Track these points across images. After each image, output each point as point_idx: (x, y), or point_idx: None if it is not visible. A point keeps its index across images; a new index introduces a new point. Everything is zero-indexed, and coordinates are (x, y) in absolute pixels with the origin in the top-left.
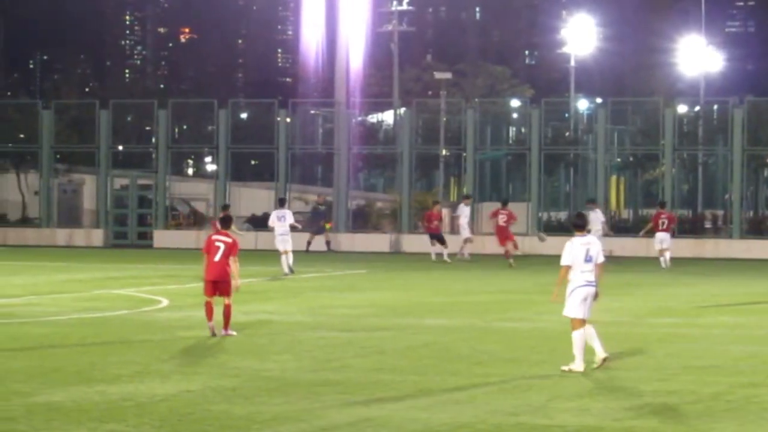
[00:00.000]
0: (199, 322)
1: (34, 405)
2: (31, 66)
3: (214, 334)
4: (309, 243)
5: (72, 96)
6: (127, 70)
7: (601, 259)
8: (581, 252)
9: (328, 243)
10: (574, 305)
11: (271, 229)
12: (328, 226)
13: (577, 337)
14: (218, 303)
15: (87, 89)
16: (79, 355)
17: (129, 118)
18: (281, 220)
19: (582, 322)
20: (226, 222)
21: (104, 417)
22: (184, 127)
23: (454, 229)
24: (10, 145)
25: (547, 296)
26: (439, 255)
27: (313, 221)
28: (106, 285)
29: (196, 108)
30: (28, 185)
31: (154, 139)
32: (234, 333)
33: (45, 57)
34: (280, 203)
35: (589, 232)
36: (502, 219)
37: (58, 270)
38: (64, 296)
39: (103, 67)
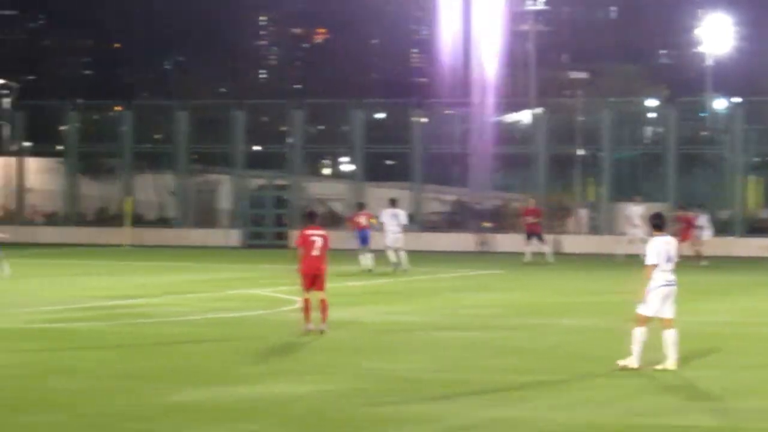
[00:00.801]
0: (337, 323)
1: (170, 405)
2: (167, 67)
3: (309, 331)
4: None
5: (207, 97)
6: (261, 71)
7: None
8: (663, 251)
9: (482, 243)
10: (652, 304)
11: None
12: (485, 224)
13: (639, 334)
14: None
15: (222, 90)
16: (215, 355)
17: (264, 119)
18: (394, 219)
19: (647, 321)
20: (313, 217)
21: (240, 417)
22: (319, 127)
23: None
24: (146, 145)
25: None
26: (538, 254)
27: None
28: (242, 285)
29: (331, 108)
30: (164, 186)
31: (289, 140)
32: (327, 330)
33: (181, 58)
34: (392, 203)
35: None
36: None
37: (194, 270)
38: (200, 296)
39: (238, 68)
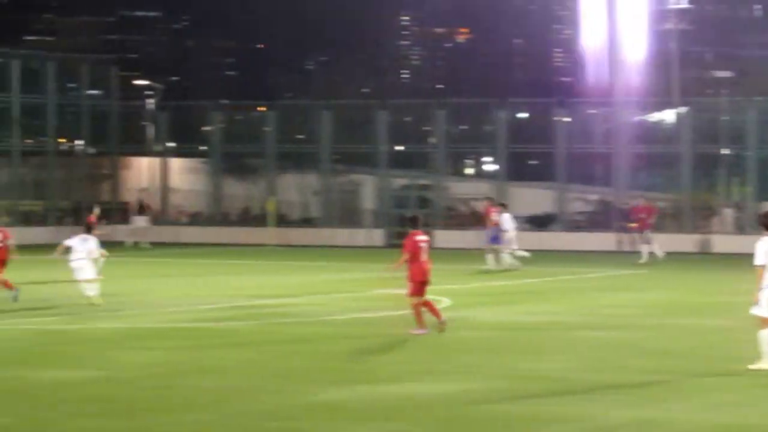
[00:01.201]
0: (480, 323)
1: (316, 404)
2: (310, 67)
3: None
4: (627, 242)
5: (350, 97)
6: (404, 71)
7: None
8: None
9: (624, 242)
10: (765, 304)
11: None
12: (631, 225)
13: (765, 335)
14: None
15: (365, 90)
16: (359, 355)
17: (407, 119)
18: (509, 222)
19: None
20: (417, 222)
21: (385, 416)
22: (462, 127)
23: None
24: (289, 146)
25: None
26: (651, 254)
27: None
28: (386, 284)
29: (474, 108)
30: (307, 186)
31: (431, 140)
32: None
33: (324, 58)
34: (503, 207)
35: None
36: None
37: (337, 270)
38: (343, 296)
39: (380, 67)
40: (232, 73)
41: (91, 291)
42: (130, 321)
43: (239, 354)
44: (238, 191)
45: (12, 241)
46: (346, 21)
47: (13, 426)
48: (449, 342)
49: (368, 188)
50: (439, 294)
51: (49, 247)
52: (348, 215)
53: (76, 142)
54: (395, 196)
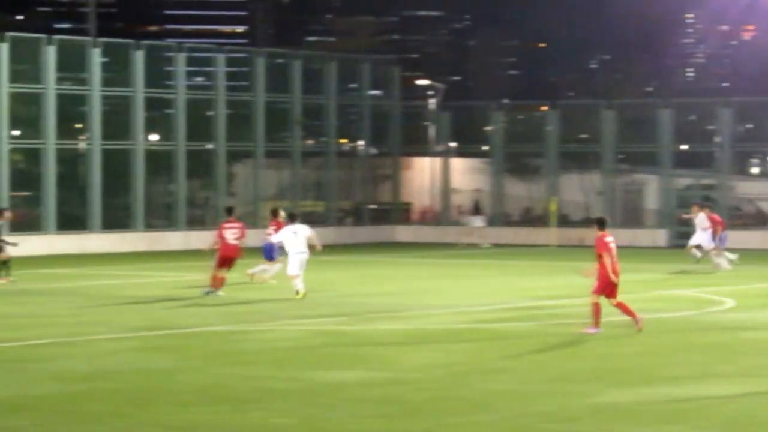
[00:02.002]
0: (763, 324)
1: (598, 405)
2: (593, 66)
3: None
4: None
5: (633, 96)
6: (688, 70)
7: None
8: None
9: None
10: None
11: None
12: None
13: None
14: None
15: (648, 89)
16: (640, 356)
17: (691, 118)
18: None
19: None
20: (604, 224)
21: (667, 418)
22: (747, 126)
23: None
24: (572, 145)
25: None
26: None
27: None
28: (668, 285)
29: (761, 106)
30: (590, 186)
31: (716, 139)
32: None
33: (606, 57)
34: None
35: None
36: None
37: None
38: (626, 297)
39: (664, 66)
40: (513, 72)
41: (299, 284)
42: (410, 322)
43: (519, 355)
44: (519, 191)
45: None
46: (629, 20)
47: (294, 426)
48: (729, 343)
49: (651, 188)
50: (723, 295)
51: (330, 248)
52: (631, 215)
53: (357, 142)
54: (679, 195)
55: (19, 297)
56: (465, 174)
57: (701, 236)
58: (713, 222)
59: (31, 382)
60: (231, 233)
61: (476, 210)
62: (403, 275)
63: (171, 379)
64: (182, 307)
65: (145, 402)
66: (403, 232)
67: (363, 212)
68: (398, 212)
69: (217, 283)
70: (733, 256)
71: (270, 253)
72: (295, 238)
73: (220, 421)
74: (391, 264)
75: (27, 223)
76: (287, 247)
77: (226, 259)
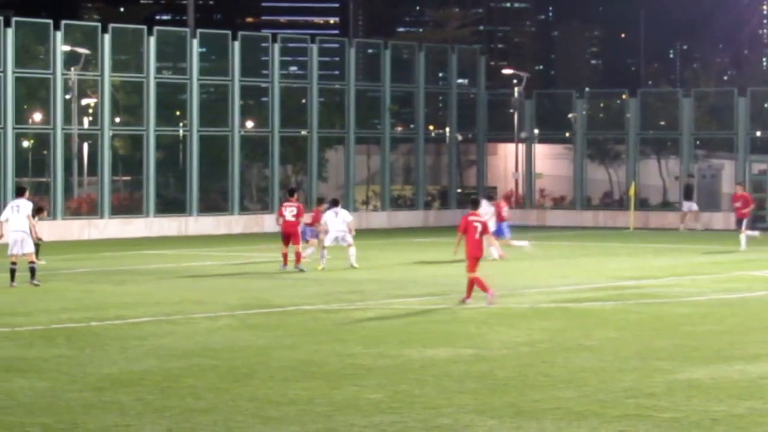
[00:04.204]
0: None
1: (675, 382)
2: (671, 56)
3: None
4: None
5: (710, 84)
6: (765, 59)
7: None
8: None
9: None
10: None
11: None
12: None
13: None
14: None
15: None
16: (718, 335)
17: (767, 105)
18: None
19: None
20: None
21: (743, 394)
22: None
23: None
24: (651, 132)
25: None
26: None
27: None
28: (746, 267)
29: None
30: (668, 171)
31: None
32: None
33: (684, 47)
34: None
35: None
36: None
37: (696, 252)
38: (703, 278)
39: (741, 55)
40: (595, 61)
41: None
42: (497, 301)
43: (600, 333)
44: (600, 176)
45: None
46: (707, 9)
47: (385, 401)
48: None
49: (727, 173)
50: None
51: (418, 231)
52: (708, 200)
53: (445, 129)
54: (754, 180)
55: (121, 277)
56: (548, 159)
57: None
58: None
59: (132, 359)
60: (289, 211)
61: (688, 195)
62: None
63: (267, 356)
64: (277, 286)
65: (242, 378)
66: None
67: (450, 196)
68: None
69: (285, 259)
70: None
71: (304, 235)
72: (335, 218)
73: (315, 396)
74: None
75: (128, 206)
76: (329, 226)
77: (286, 234)
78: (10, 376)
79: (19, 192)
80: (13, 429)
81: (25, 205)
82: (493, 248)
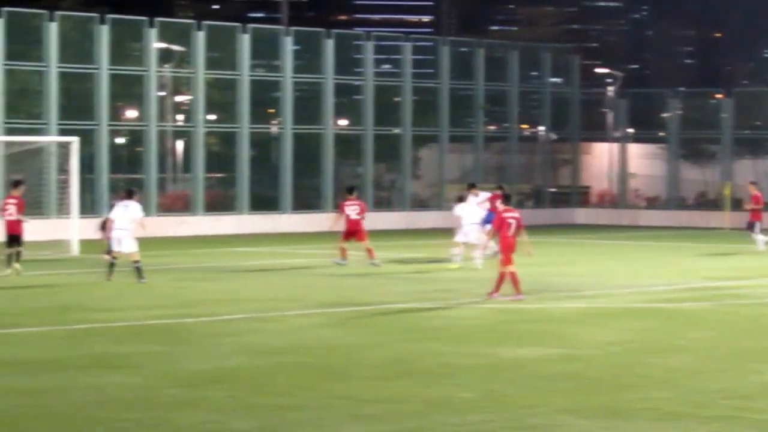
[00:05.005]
0: None
1: (766, 383)
2: (766, 55)
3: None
4: None
5: None
6: None
7: None
8: None
9: None
10: None
11: None
12: None
13: None
14: None
15: None
16: None
17: None
18: None
19: None
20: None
21: None
22: None
23: None
24: (746, 131)
25: None
26: None
27: None
28: None
29: None
30: (764, 171)
31: None
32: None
33: None
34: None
35: None
36: None
37: None
38: None
39: None
40: (689, 61)
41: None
42: (589, 301)
43: (694, 334)
44: (694, 176)
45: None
46: None
47: (477, 400)
48: None
49: None
50: None
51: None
52: None
53: (538, 128)
54: None
55: (214, 274)
56: (642, 159)
57: None
58: None
59: (224, 355)
60: (352, 209)
61: None
62: (582, 256)
63: (359, 354)
64: (369, 284)
65: (334, 375)
66: (581, 215)
67: (543, 195)
68: (577, 195)
69: (344, 254)
70: None
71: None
72: (468, 215)
73: (407, 394)
74: (569, 245)
75: (221, 203)
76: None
77: (349, 232)
78: (103, 371)
79: (129, 194)
80: (106, 424)
81: (133, 206)
82: (492, 242)
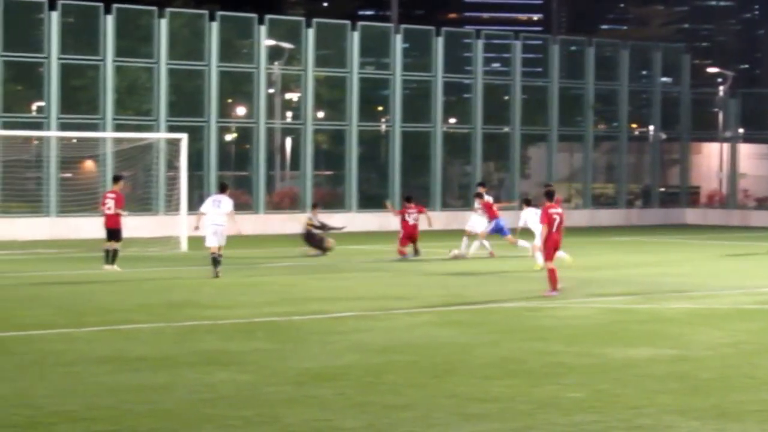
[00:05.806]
0: None
1: None
2: None
3: None
4: None
5: None
6: None
7: None
8: None
9: None
10: None
11: None
12: None
13: None
14: None
15: None
16: None
17: None
18: None
19: None
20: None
21: None
22: None
23: None
24: None
25: None
26: None
27: None
28: None
29: None
30: None
31: None
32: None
33: None
34: None
35: None
36: None
37: None
38: None
39: None
40: None
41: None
42: (699, 302)
43: None
44: None
45: (424, 215)
46: None
47: (586, 400)
48: None
49: None
50: None
51: (620, 230)
52: None
53: (648, 127)
54: None
55: (323, 272)
56: (752, 159)
57: None
58: None
59: (333, 353)
60: (413, 217)
61: None
62: (692, 256)
63: (467, 353)
64: (477, 283)
65: (442, 374)
66: (691, 215)
67: (652, 195)
68: (687, 195)
69: (402, 254)
70: None
71: (502, 231)
72: (535, 217)
73: (515, 393)
74: (679, 245)
75: (330, 201)
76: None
77: (408, 236)
78: (212, 369)
79: (222, 188)
80: (214, 421)
81: (226, 201)
82: (486, 242)
